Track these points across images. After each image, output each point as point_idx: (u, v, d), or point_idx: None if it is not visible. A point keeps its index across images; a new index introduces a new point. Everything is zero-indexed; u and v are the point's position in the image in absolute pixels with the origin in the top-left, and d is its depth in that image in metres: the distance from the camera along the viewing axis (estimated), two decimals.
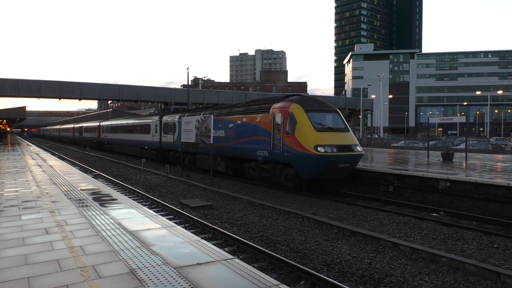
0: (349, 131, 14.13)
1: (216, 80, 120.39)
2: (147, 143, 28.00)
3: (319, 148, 12.62)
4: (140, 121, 30.47)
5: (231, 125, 17.19)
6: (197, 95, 53.03)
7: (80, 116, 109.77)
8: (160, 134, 25.56)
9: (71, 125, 64.43)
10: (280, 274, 6.46)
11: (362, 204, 12.16)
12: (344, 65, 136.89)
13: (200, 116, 18.48)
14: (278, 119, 14.04)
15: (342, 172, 13.68)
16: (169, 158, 24.92)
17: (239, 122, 16.62)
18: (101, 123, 43.40)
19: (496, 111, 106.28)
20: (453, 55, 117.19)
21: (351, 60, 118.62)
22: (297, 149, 13.00)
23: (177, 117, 22.70)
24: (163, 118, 25.52)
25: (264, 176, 15.74)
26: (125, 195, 13.53)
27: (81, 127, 53.76)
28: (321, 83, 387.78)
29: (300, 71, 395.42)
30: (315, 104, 14.28)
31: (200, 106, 47.59)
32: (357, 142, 14.01)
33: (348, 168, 13.67)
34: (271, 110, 14.58)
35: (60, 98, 43.93)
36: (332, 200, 12.74)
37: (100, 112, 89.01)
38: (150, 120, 27.80)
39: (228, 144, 17.32)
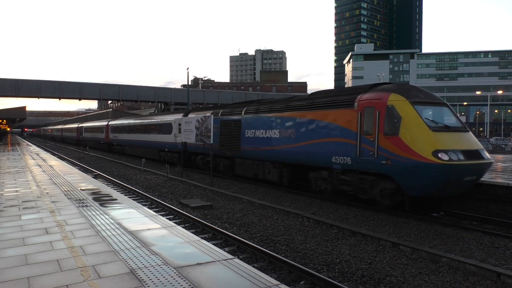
0: (468, 131, 10.75)
1: (216, 80, 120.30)
2: (168, 144, 24.57)
3: (440, 155, 9.31)
4: (159, 119, 26.94)
5: (288, 124, 13.83)
6: (197, 95, 53.20)
7: (81, 116, 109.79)
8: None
9: (75, 125, 60.12)
10: (280, 274, 6.46)
11: (362, 205, 12.14)
12: (344, 65, 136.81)
13: (242, 113, 16.18)
14: (369, 114, 10.71)
15: (465, 187, 10.38)
16: (197, 163, 21.38)
17: (301, 119, 13.25)
18: (110, 122, 39.62)
19: (496, 111, 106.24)
20: (453, 55, 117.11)
21: (351, 60, 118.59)
22: (405, 156, 9.72)
23: (209, 114, 18.79)
24: (189, 116, 22.19)
25: (342, 190, 12.28)
26: (125, 195, 13.54)
27: (87, 126, 49.96)
28: (321, 83, 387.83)
29: (300, 71, 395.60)
30: (421, 95, 10.77)
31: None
32: (482, 146, 10.63)
33: (473, 182, 10.36)
34: (355, 103, 11.20)
35: (60, 98, 44.10)
36: (332, 201, 12.73)
37: (102, 111, 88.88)
38: (172, 118, 24.32)
39: (283, 147, 14.02)
